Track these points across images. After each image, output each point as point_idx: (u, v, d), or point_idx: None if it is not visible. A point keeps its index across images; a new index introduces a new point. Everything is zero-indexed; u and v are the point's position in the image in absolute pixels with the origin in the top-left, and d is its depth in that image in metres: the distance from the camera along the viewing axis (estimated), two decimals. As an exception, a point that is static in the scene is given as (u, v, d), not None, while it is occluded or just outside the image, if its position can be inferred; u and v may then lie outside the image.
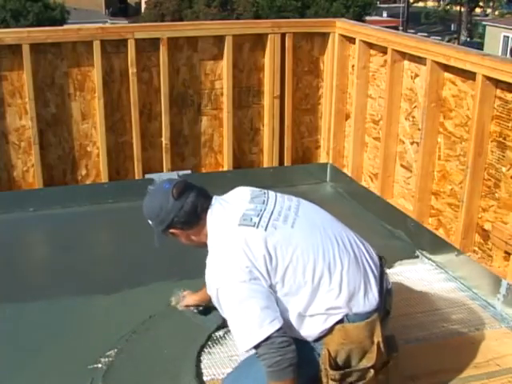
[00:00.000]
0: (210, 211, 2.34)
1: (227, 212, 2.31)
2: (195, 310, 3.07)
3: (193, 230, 2.37)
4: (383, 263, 2.48)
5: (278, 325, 2.14)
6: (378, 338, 2.26)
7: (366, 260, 2.36)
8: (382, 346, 2.26)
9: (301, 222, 2.30)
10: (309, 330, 2.27)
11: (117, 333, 2.98)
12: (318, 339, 2.28)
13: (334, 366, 2.23)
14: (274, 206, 2.33)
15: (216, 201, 2.38)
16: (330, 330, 2.24)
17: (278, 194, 2.45)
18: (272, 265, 2.19)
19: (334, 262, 2.25)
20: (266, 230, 2.22)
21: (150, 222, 2.42)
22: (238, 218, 2.26)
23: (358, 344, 2.24)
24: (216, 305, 2.26)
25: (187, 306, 3.07)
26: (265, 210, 2.30)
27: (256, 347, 2.14)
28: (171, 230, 2.38)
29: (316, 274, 2.22)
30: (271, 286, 2.20)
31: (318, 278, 2.22)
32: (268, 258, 2.18)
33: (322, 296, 2.23)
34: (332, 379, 2.23)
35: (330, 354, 2.23)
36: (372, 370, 2.25)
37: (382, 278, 2.38)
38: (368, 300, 2.27)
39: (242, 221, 2.25)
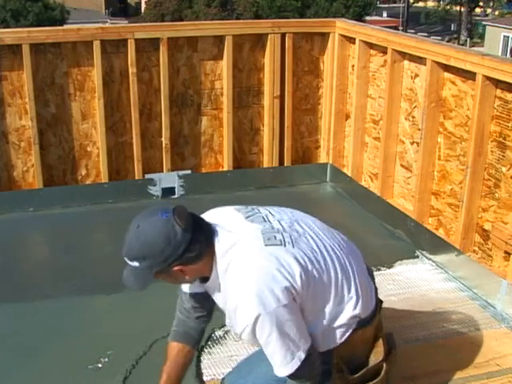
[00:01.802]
0: (216, 239, 2.04)
1: (240, 235, 2.07)
2: None
3: (201, 262, 2.02)
4: None
5: (309, 341, 2.05)
6: (381, 331, 2.28)
7: (360, 257, 2.32)
8: (384, 337, 2.28)
9: (310, 235, 2.17)
10: (327, 344, 2.17)
11: (117, 333, 2.99)
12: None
13: (347, 370, 2.21)
14: (280, 222, 2.15)
15: (214, 226, 2.08)
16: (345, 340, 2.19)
17: (267, 208, 2.26)
18: (306, 282, 2.03)
19: (347, 269, 2.17)
20: (293, 247, 2.06)
21: (139, 264, 1.99)
22: (261, 239, 2.05)
23: (368, 344, 2.25)
24: (247, 336, 2.02)
25: None
26: (275, 227, 2.12)
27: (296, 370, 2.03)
28: (176, 268, 2.00)
29: (338, 285, 2.13)
30: (301, 304, 2.05)
31: (341, 289, 2.14)
32: (304, 275, 2.02)
33: (344, 307, 2.15)
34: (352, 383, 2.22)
35: (341, 362, 2.20)
36: (384, 364, 2.26)
37: (372, 274, 2.37)
38: (372, 300, 2.25)
39: (266, 241, 2.04)
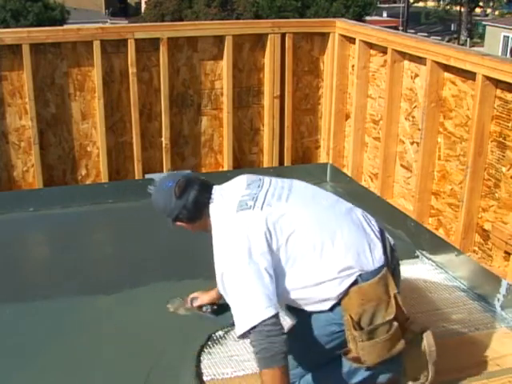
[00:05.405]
0: (211, 203, 2.45)
1: (225, 201, 2.43)
2: (209, 309, 3.07)
3: (197, 223, 2.50)
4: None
5: (272, 311, 2.17)
6: (393, 290, 2.32)
7: (367, 222, 2.44)
8: (398, 297, 2.31)
9: (294, 197, 2.40)
10: (325, 294, 2.30)
11: (117, 333, 2.99)
12: (335, 306, 2.31)
13: (359, 328, 2.27)
14: (268, 188, 2.43)
15: (216, 191, 2.49)
16: (347, 294, 2.29)
17: (273, 178, 2.54)
18: (273, 241, 2.27)
19: (332, 227, 2.35)
20: (261, 209, 2.32)
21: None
22: (236, 206, 2.36)
23: (378, 300, 2.29)
24: (222, 292, 2.33)
25: (200, 306, 3.09)
26: (259, 192, 2.40)
27: (248, 332, 2.18)
28: (178, 223, 2.53)
29: (317, 241, 2.30)
30: (275, 261, 2.27)
31: (321, 245, 2.29)
32: (268, 234, 2.27)
33: (330, 260, 2.29)
34: (360, 341, 2.26)
35: (352, 318, 2.26)
36: (395, 323, 2.29)
37: (383, 236, 2.44)
38: (375, 257, 2.33)
39: (239, 207, 2.35)
